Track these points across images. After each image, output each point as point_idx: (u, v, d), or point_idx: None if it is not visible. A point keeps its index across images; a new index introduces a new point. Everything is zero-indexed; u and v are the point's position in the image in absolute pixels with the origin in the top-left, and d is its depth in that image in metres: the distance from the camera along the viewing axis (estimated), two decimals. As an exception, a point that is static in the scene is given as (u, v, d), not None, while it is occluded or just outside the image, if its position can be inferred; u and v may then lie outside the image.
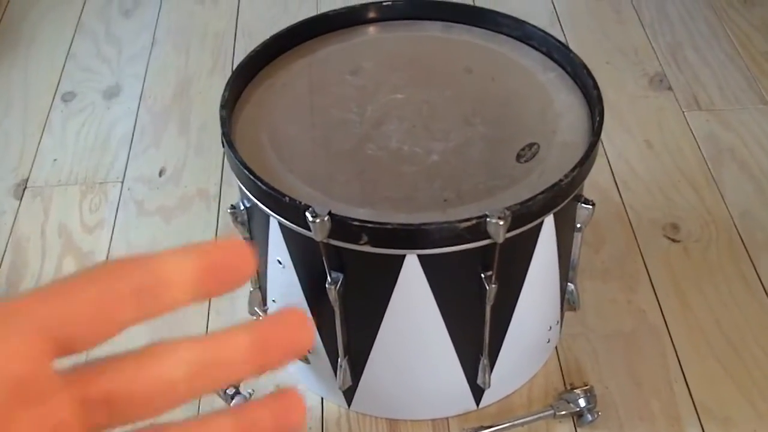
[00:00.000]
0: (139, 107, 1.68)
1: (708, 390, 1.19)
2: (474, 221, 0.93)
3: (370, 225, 0.94)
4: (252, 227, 1.11)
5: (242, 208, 1.09)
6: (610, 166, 1.51)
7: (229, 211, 1.11)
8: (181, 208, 1.47)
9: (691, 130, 1.58)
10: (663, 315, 1.28)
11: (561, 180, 0.97)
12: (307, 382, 1.20)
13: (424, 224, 0.94)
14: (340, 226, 0.94)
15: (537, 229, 1.01)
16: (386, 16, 1.23)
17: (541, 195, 0.96)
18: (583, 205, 1.07)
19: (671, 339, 1.25)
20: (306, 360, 1.15)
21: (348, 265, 1.01)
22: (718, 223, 1.41)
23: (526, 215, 0.96)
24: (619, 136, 1.57)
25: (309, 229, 0.94)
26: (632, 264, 1.35)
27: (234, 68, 1.15)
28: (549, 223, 1.02)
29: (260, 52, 1.16)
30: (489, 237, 0.94)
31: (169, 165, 1.56)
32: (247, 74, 1.15)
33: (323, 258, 0.98)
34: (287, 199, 0.96)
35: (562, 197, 1.00)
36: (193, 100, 1.69)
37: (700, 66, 1.73)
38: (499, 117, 1.11)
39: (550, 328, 1.18)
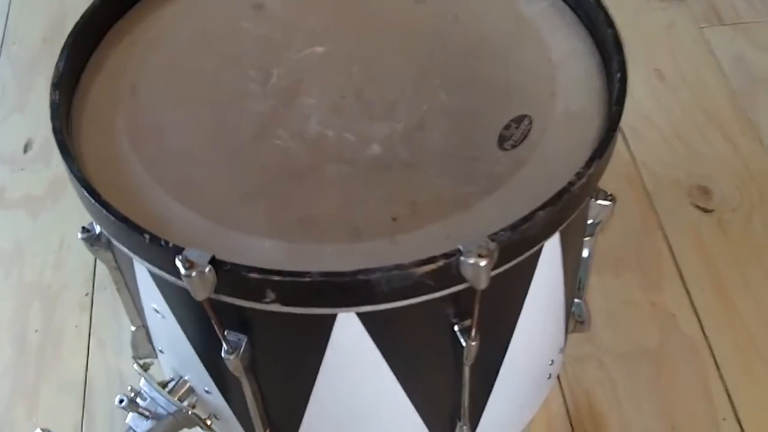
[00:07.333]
0: (-2, 58, 1.31)
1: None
2: (441, 262, 0.59)
3: (276, 279, 0.60)
4: (116, 257, 0.77)
5: (99, 230, 0.75)
6: (612, 108, 1.17)
7: (81, 237, 0.76)
8: (52, 197, 1.13)
9: (712, 52, 1.23)
10: (699, 320, 0.96)
11: (571, 183, 0.63)
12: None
13: (361, 272, 0.60)
14: (232, 279, 0.60)
15: (535, 255, 0.67)
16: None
17: (542, 210, 0.61)
18: (600, 202, 0.73)
19: (713, 355, 0.93)
20: (209, 429, 0.82)
21: (252, 326, 0.67)
22: (760, 181, 1.08)
23: (518, 243, 0.62)
24: (621, 66, 1.22)
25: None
26: (652, 247, 1.04)
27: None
28: (552, 242, 0.68)
29: (114, -7, 0.79)
30: (465, 281, 0.60)
31: (37, 136, 1.22)
32: (96, 30, 0.79)
33: (212, 320, 0.65)
34: (148, 237, 0.62)
35: (573, 207, 0.66)
36: (68, 45, 1.32)
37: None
38: (468, 76, 0.75)
39: (552, 362, 0.86)
